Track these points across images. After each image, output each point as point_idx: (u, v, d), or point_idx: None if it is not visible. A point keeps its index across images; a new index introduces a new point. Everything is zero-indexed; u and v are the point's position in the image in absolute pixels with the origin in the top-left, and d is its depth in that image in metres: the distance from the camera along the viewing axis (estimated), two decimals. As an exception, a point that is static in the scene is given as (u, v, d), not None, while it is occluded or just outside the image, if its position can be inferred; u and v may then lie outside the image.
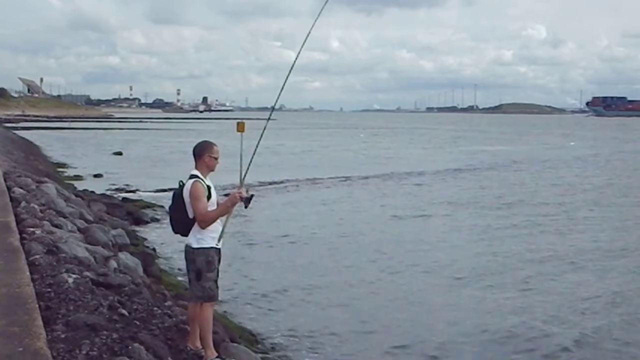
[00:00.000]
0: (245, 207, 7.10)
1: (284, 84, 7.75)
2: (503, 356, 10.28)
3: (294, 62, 7.85)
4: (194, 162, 7.16)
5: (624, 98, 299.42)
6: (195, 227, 6.98)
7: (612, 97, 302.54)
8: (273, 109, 8.35)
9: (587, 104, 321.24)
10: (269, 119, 7.86)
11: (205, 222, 6.93)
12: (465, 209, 25.17)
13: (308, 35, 7.68)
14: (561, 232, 20.43)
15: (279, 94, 8.01)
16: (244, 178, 7.29)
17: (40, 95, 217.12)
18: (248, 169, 7.22)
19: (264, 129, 7.45)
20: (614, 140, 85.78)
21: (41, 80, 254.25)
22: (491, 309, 12.60)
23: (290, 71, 7.78)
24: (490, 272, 15.44)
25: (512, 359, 10.16)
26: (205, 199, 6.94)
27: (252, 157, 7.24)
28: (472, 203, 26.70)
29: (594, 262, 16.39)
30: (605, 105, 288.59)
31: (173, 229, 7.26)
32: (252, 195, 7.13)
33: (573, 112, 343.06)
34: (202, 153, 7.13)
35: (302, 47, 7.71)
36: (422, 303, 13.12)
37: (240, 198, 7.01)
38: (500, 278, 14.88)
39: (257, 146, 7.24)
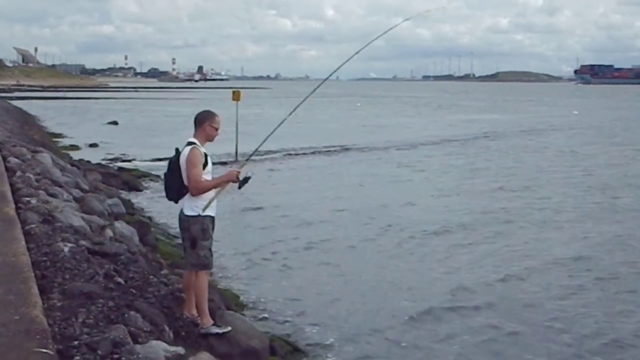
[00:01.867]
0: (239, 187, 7.10)
1: (349, 59, 7.87)
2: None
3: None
4: (193, 130, 7.14)
5: (611, 66, 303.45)
6: (190, 194, 6.98)
7: (599, 65, 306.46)
8: (325, 80, 8.25)
9: (576, 72, 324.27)
10: (296, 109, 7.72)
11: (197, 189, 6.92)
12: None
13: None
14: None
15: (339, 67, 8.06)
16: (249, 158, 7.30)
17: (35, 64, 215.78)
18: (257, 149, 7.24)
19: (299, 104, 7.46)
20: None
21: (36, 49, 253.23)
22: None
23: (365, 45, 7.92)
24: (469, 229, 16.48)
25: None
26: (201, 166, 6.92)
27: (265, 140, 7.25)
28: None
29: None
30: (593, 74, 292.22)
31: (167, 196, 7.24)
32: (249, 178, 7.11)
33: (570, 80, 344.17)
34: (204, 121, 7.09)
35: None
36: (400, 263, 13.60)
37: (237, 177, 7.00)
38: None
39: (279, 124, 7.25)
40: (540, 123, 55.91)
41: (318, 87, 8.00)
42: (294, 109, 7.45)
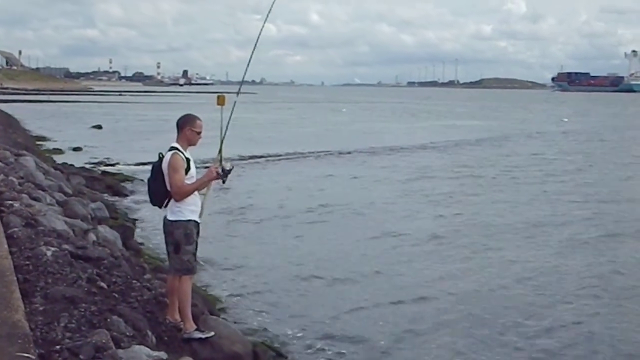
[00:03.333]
0: (223, 182, 7.12)
1: (250, 58, 8.00)
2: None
3: (258, 36, 8.39)
4: (176, 135, 7.15)
5: (587, 74, 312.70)
6: (173, 199, 6.98)
7: (575, 73, 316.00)
8: (242, 83, 8.52)
9: (553, 79, 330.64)
10: (237, 93, 7.98)
11: (180, 194, 6.92)
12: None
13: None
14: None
15: (246, 68, 8.22)
16: (220, 152, 7.33)
17: (19, 68, 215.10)
18: (221, 143, 7.28)
19: (234, 105, 7.68)
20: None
21: (19, 52, 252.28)
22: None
23: (255, 46, 8.01)
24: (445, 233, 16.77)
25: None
26: (183, 171, 6.92)
27: (225, 133, 7.33)
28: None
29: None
30: (570, 81, 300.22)
31: (151, 201, 7.26)
32: (229, 170, 7.12)
33: (553, 87, 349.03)
34: (184, 126, 7.11)
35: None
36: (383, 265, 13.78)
37: (217, 173, 7.01)
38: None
39: (228, 122, 7.32)
40: (512, 129, 56.34)
41: (239, 88, 8.53)
42: (231, 113, 7.80)
